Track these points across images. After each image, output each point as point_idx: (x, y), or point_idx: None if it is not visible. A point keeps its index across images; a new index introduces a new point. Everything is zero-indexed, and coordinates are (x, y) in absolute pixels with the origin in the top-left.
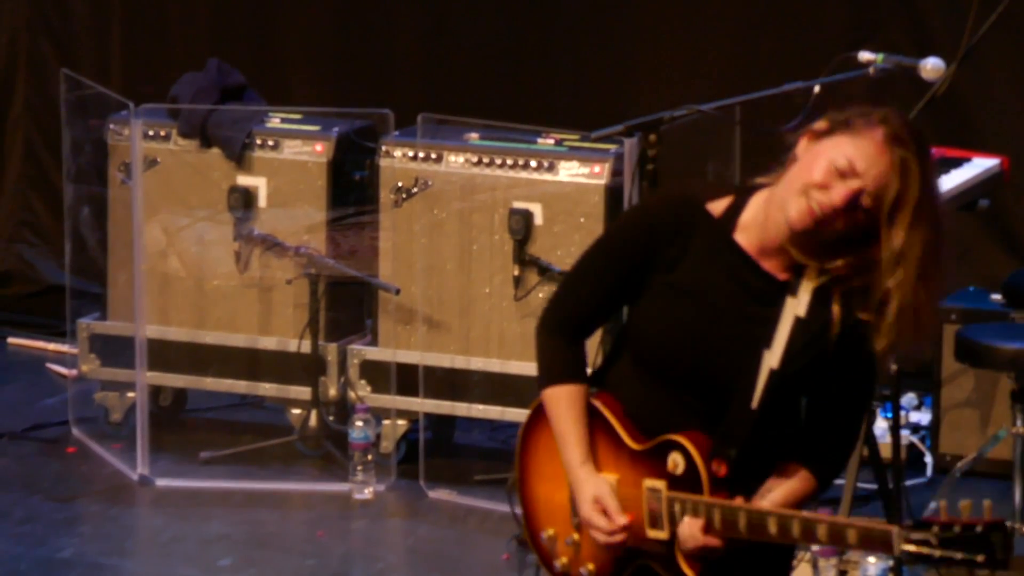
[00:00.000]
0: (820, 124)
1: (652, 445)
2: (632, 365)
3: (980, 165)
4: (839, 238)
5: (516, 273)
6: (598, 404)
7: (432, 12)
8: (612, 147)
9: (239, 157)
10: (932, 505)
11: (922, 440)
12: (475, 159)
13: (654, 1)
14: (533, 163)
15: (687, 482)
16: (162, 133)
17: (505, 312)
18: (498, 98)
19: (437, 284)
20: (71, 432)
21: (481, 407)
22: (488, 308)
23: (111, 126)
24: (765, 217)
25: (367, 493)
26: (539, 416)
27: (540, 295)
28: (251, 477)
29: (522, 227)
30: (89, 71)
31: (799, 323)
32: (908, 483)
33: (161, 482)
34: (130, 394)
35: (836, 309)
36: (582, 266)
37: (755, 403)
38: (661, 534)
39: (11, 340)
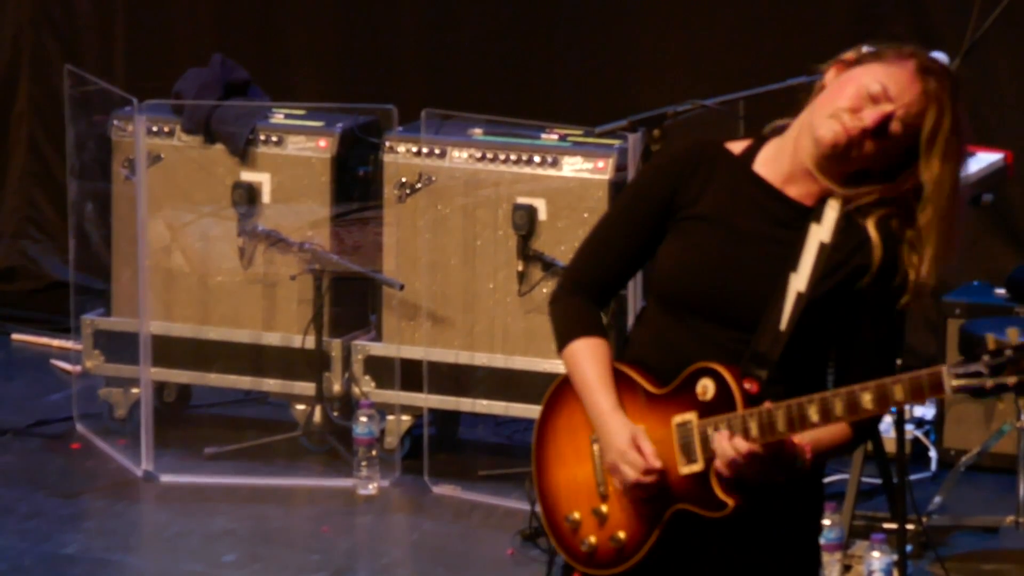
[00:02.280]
0: (849, 55)
1: (678, 383)
2: (656, 310)
3: (984, 160)
4: (866, 167)
5: (520, 268)
6: (620, 367)
7: (436, 7)
8: (616, 142)
9: (243, 153)
10: (937, 499)
11: (926, 435)
12: (479, 154)
13: None
14: (537, 158)
15: (719, 405)
16: (166, 129)
17: (509, 307)
18: (502, 93)
19: (441, 279)
20: (75, 428)
21: (485, 402)
22: (492, 303)
23: (115, 122)
24: (792, 144)
25: (371, 489)
26: (553, 404)
27: (544, 290)
28: (255, 473)
29: (526, 222)
30: (93, 67)
31: (824, 248)
32: (912, 478)
33: (165, 478)
34: (134, 390)
35: (874, 235)
36: (601, 226)
37: (784, 325)
38: (696, 466)
39: (15, 336)
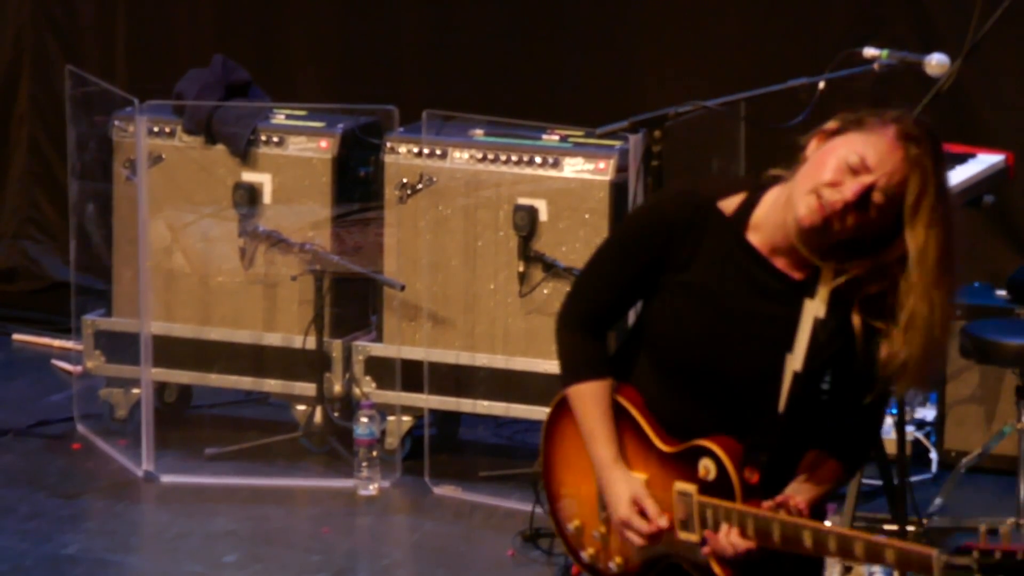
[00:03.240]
0: (831, 124)
1: (682, 449)
2: (650, 366)
3: (985, 161)
4: (851, 239)
5: (521, 269)
6: (623, 401)
7: (437, 8)
8: (617, 143)
9: (244, 153)
10: (938, 501)
11: (927, 436)
12: (480, 155)
13: None
14: (538, 159)
15: (719, 489)
16: (167, 129)
17: (510, 308)
18: (503, 94)
19: (442, 280)
20: (76, 428)
21: (486, 403)
22: (493, 304)
23: (116, 122)
24: (779, 217)
25: (372, 489)
26: (564, 407)
27: (545, 291)
28: (256, 473)
29: (527, 223)
30: (94, 68)
31: (819, 324)
32: (913, 479)
33: (166, 478)
34: (135, 390)
35: (856, 319)
36: (597, 262)
37: (782, 407)
38: (692, 536)
39: (16, 336)
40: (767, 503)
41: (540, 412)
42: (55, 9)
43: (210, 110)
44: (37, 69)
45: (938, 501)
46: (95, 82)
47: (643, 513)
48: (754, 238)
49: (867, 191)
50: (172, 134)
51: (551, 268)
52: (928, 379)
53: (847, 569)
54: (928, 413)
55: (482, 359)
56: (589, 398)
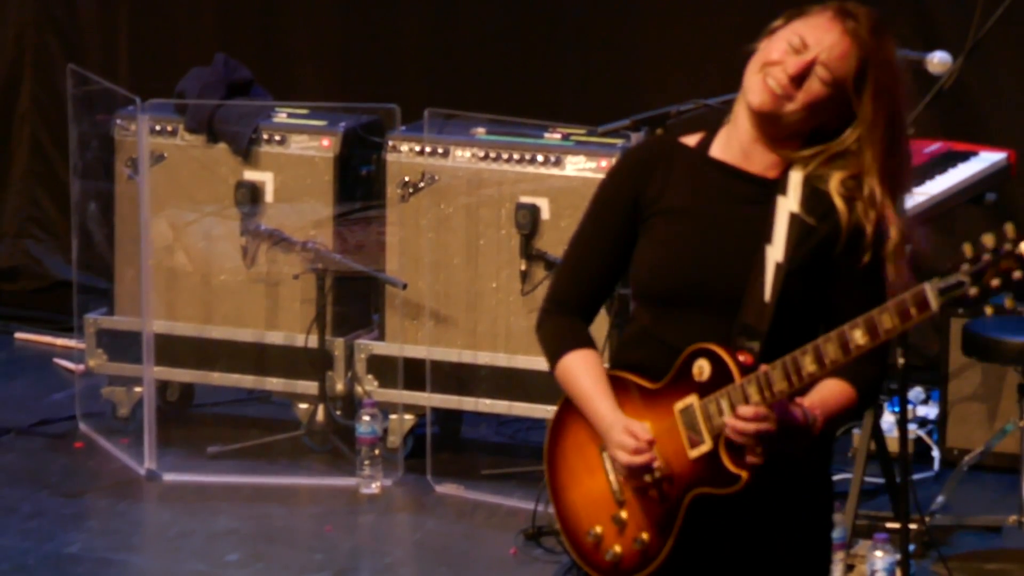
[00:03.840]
0: (777, 22)
1: (673, 372)
2: (641, 310)
3: (987, 159)
4: (812, 125)
5: (523, 268)
6: (611, 371)
7: (438, 6)
8: (619, 141)
9: (246, 152)
10: (940, 499)
11: (929, 434)
12: (482, 154)
13: None
14: (540, 158)
15: (716, 382)
16: (169, 128)
17: (512, 306)
18: (505, 93)
19: (444, 279)
20: (78, 427)
21: (488, 402)
22: (495, 303)
23: (118, 121)
24: (737, 120)
25: (374, 488)
26: (558, 427)
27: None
28: (258, 472)
29: (529, 222)
30: (96, 66)
31: (794, 219)
32: (915, 477)
33: (168, 477)
34: (137, 389)
35: (838, 201)
36: (574, 244)
37: (768, 296)
38: (704, 447)
39: (18, 335)
40: (763, 366)
41: (542, 410)
42: (57, 8)
43: (212, 109)
44: (39, 68)
45: (940, 499)
46: (97, 81)
47: (632, 434)
48: (720, 154)
49: (809, 66)
50: (174, 133)
51: (553, 266)
52: (900, 249)
53: (849, 567)
54: (930, 411)
55: (484, 357)
56: (580, 364)
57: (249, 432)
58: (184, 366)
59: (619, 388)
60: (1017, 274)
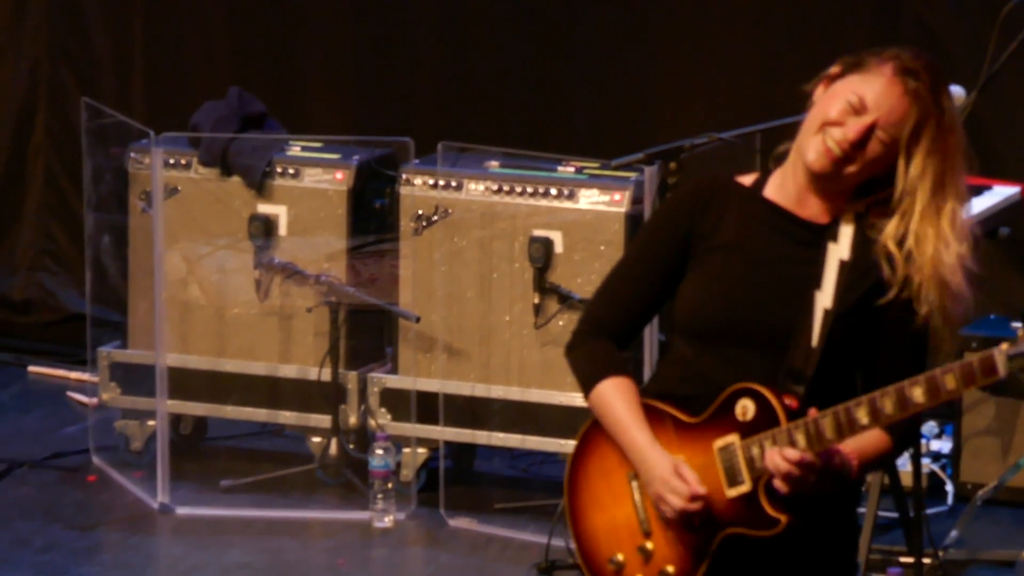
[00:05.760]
0: (834, 68)
1: (714, 408)
2: (683, 344)
3: (1001, 193)
4: (865, 179)
5: (536, 301)
6: (646, 400)
7: (452, 40)
8: (632, 175)
9: (259, 185)
10: (954, 533)
11: (943, 468)
12: (495, 187)
13: (674, 29)
14: (553, 191)
15: (760, 423)
16: (183, 161)
17: (525, 340)
18: (518, 126)
19: (457, 312)
20: (92, 460)
21: (501, 435)
22: (508, 336)
23: (132, 154)
24: (792, 170)
25: (387, 521)
26: (583, 450)
27: (560, 323)
28: (271, 505)
29: (542, 255)
30: (110, 99)
31: (844, 266)
32: (929, 511)
33: (182, 510)
34: (150, 422)
35: (894, 250)
36: (619, 269)
37: (815, 341)
38: (743, 487)
39: (32, 368)
40: (812, 410)
41: (556, 444)
42: (71, 41)
43: (226, 142)
44: (53, 101)
45: (954, 533)
46: (111, 114)
47: (683, 478)
48: (773, 196)
49: (869, 130)
50: (188, 166)
51: (566, 300)
52: (949, 311)
53: None
54: (944, 445)
55: (497, 391)
56: (615, 392)
57: (262, 465)
58: (197, 399)
59: (654, 417)
60: None
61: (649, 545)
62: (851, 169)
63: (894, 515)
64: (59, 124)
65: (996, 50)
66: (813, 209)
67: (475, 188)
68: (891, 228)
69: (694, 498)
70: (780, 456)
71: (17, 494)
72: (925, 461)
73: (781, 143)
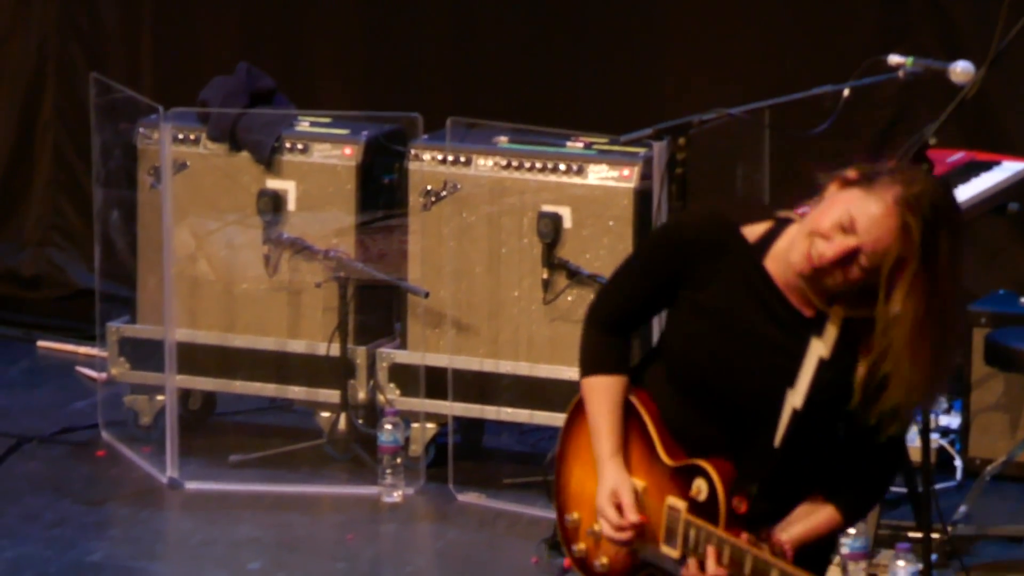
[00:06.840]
0: (851, 172)
1: (681, 465)
2: (665, 378)
3: (1010, 168)
4: (848, 289)
5: (545, 276)
6: (636, 403)
7: (461, 15)
8: (641, 150)
9: (268, 161)
10: (963, 509)
11: (952, 444)
12: (504, 162)
13: (683, 4)
14: (562, 166)
15: (707, 510)
16: (191, 137)
17: (534, 315)
18: (527, 101)
19: (466, 287)
20: (101, 435)
21: (510, 410)
22: (517, 311)
23: (140, 130)
24: (788, 254)
25: (396, 496)
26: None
27: (569, 298)
28: (280, 480)
29: (551, 230)
30: (119, 75)
31: (823, 364)
32: (937, 487)
33: (191, 485)
34: (160, 397)
35: (861, 366)
36: (622, 270)
37: (777, 442)
38: (673, 552)
39: (41, 343)
40: (747, 535)
41: (563, 419)
42: (80, 16)
43: (235, 117)
44: (62, 77)
45: (963, 509)
46: (120, 89)
47: (619, 507)
48: (772, 268)
49: (852, 253)
50: (196, 141)
51: (575, 275)
52: (912, 419)
53: None
54: (953, 421)
55: (506, 366)
56: (600, 391)
57: (271, 441)
58: (206, 374)
59: (634, 426)
60: None
61: (598, 528)
62: (830, 281)
63: (903, 490)
64: (68, 100)
65: (1005, 25)
66: (799, 299)
67: (484, 164)
68: (867, 359)
69: (620, 529)
70: (708, 562)
71: (26, 469)
72: (934, 436)
73: (791, 120)
